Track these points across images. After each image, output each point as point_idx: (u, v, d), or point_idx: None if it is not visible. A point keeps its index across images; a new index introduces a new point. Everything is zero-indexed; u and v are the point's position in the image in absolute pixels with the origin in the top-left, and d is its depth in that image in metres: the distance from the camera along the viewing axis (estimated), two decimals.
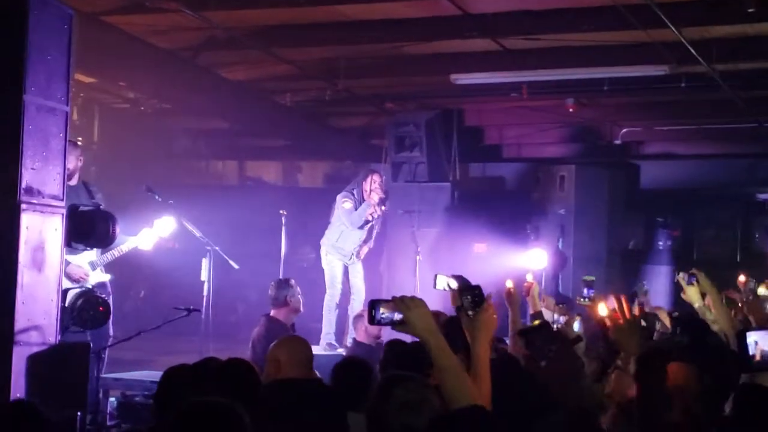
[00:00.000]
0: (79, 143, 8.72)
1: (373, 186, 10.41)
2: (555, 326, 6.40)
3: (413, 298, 3.17)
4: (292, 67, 11.80)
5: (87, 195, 7.86)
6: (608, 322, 3.64)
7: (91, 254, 7.84)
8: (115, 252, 7.96)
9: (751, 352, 3.76)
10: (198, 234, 8.93)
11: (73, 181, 8.13)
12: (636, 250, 13.93)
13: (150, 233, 8.20)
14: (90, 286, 7.38)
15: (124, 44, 10.09)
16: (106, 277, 7.96)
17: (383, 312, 3.16)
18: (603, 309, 4.17)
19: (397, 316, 3.14)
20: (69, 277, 7.53)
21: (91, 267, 7.92)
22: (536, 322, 3.39)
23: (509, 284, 6.56)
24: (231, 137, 16.34)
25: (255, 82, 12.88)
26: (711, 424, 3.68)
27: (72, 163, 8.05)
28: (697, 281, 6.66)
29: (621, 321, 3.43)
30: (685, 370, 4.12)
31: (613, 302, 3.52)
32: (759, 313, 6.36)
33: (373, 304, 3.19)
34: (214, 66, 11.90)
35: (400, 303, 3.13)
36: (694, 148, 14.65)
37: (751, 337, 3.79)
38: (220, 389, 3.71)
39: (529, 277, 6.79)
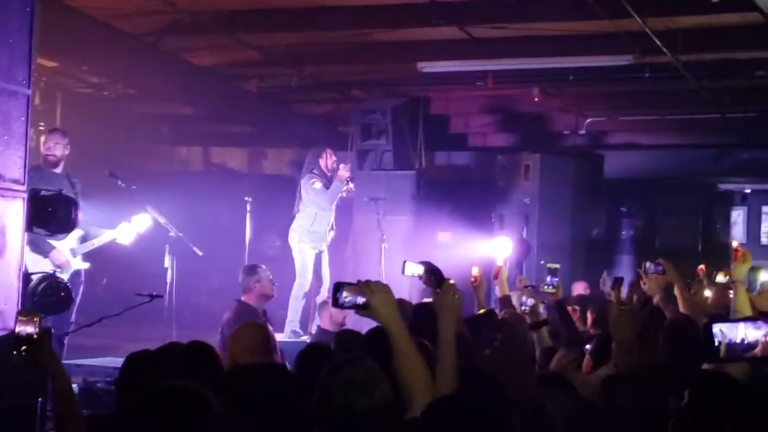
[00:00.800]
0: (41, 128, 8.69)
1: (330, 160, 10.41)
2: (522, 308, 6.43)
3: (377, 283, 3.17)
4: (257, 53, 11.73)
5: (69, 185, 7.88)
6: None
7: (72, 242, 7.95)
8: (95, 242, 8.16)
9: (716, 343, 3.79)
10: (162, 220, 8.87)
11: (58, 169, 8.12)
12: (599, 239, 14.03)
13: (128, 228, 8.32)
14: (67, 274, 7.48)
15: (88, 28, 9.98)
16: (84, 266, 8.14)
17: (347, 295, 3.16)
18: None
19: (360, 300, 3.14)
20: (52, 262, 7.61)
21: (72, 254, 7.99)
22: (482, 311, 3.38)
23: (475, 271, 6.59)
24: (196, 123, 16.24)
25: (220, 68, 12.80)
26: (670, 413, 3.70)
27: (59, 150, 8.09)
28: (663, 271, 6.70)
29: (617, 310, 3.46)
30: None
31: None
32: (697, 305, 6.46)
33: (337, 287, 3.18)
34: (178, 51, 11.80)
35: (364, 287, 3.13)
36: (658, 138, 14.77)
37: (717, 327, 3.82)
38: (182, 373, 3.69)
39: (499, 262, 6.84)
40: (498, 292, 7.04)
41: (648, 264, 6.84)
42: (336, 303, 3.21)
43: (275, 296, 8.35)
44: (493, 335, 3.39)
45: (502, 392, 3.42)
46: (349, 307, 3.19)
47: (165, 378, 3.33)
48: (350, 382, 3.06)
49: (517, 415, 3.11)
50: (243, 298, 8.11)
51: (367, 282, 3.17)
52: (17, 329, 3.56)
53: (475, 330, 3.44)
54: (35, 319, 3.54)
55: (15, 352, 3.56)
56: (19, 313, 3.68)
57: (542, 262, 6.89)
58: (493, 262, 11.96)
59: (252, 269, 8.27)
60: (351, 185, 10.53)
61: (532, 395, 3.33)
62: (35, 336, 3.53)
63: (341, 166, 10.43)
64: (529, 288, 6.86)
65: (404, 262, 5.52)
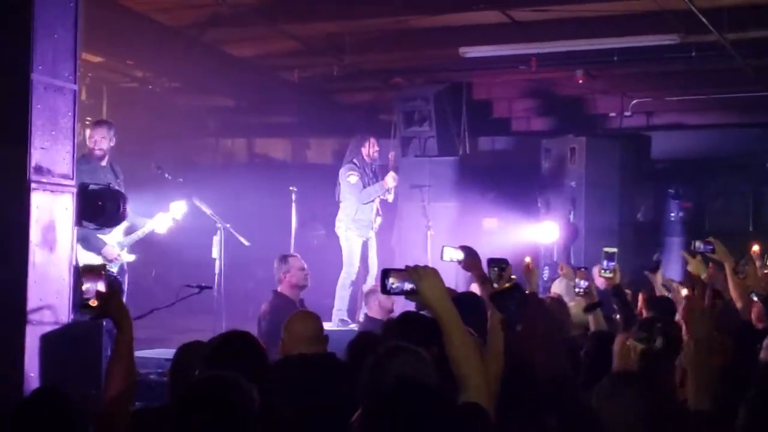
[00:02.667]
0: (87, 123, 8.76)
1: (372, 149, 10.39)
2: (577, 290, 6.37)
3: (425, 267, 3.15)
4: (298, 43, 11.75)
5: (113, 176, 7.94)
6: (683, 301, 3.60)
7: (119, 235, 8.03)
8: (139, 233, 8.21)
9: None
10: (208, 212, 8.93)
11: (104, 162, 8.19)
12: (647, 221, 13.86)
13: (165, 217, 8.36)
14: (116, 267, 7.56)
15: (131, 22, 10.06)
16: (131, 258, 8.23)
17: (393, 281, 3.15)
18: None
19: (408, 286, 3.12)
20: (105, 257, 7.70)
21: (119, 247, 8.08)
22: (507, 285, 3.28)
23: (528, 260, 6.54)
24: (239, 115, 16.31)
25: (262, 59, 12.84)
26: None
27: (105, 144, 8.16)
28: (714, 250, 6.55)
29: (696, 305, 3.39)
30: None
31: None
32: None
33: (385, 273, 3.17)
34: (220, 43, 11.86)
35: (412, 272, 3.12)
36: (704, 118, 14.57)
37: None
38: (230, 364, 3.70)
39: (528, 260, 6.75)
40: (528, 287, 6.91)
41: (698, 243, 6.69)
42: (384, 289, 3.20)
43: (322, 285, 8.36)
44: (523, 310, 3.30)
45: (533, 373, 3.37)
46: (398, 293, 3.17)
47: (215, 368, 3.35)
48: (399, 378, 3.06)
49: (551, 399, 3.08)
50: (279, 289, 8.12)
51: (415, 267, 3.15)
52: (84, 285, 3.60)
53: (503, 307, 3.35)
54: (102, 272, 3.60)
55: (83, 307, 3.60)
56: (82, 268, 3.73)
57: (603, 249, 6.76)
58: (539, 248, 12.01)
59: (283, 259, 8.27)
60: (390, 197, 10.53)
61: (564, 378, 3.27)
62: (104, 287, 3.59)
63: (391, 174, 10.40)
64: (583, 270, 6.77)
65: (443, 247, 5.49)
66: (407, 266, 3.17)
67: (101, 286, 3.57)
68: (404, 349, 3.44)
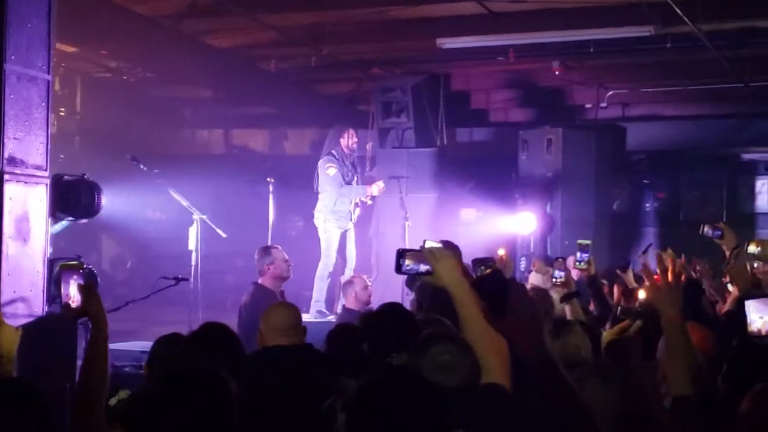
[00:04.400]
0: (61, 113, 8.67)
1: (351, 140, 10.39)
2: (554, 280, 6.38)
3: (441, 249, 3.14)
4: (276, 33, 11.70)
5: None
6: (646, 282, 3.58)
7: None
8: None
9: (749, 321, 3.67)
10: (185, 203, 8.89)
11: None
12: (623, 212, 13.94)
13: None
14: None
15: (106, 12, 9.99)
16: None
17: (409, 263, 3.13)
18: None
19: (423, 267, 3.11)
20: None
21: None
22: (487, 271, 3.27)
23: (501, 252, 6.55)
24: (216, 105, 16.25)
25: (239, 50, 12.78)
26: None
27: None
28: (722, 236, 6.46)
29: (661, 283, 3.37)
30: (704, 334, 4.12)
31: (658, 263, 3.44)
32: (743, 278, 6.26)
33: (400, 254, 3.15)
34: (197, 33, 11.79)
35: (428, 253, 3.11)
36: (680, 109, 14.65)
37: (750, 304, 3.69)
38: (207, 355, 3.69)
39: (501, 252, 6.74)
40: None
41: (706, 228, 6.56)
42: (399, 270, 3.17)
43: (300, 276, 8.35)
44: (503, 296, 3.29)
45: (520, 358, 3.37)
46: (413, 274, 3.17)
47: (192, 360, 3.34)
48: (440, 365, 3.12)
49: (537, 380, 3.09)
50: (259, 281, 8.10)
51: (431, 249, 3.15)
52: (63, 284, 3.60)
53: (484, 293, 3.35)
54: (80, 270, 3.60)
55: (63, 307, 3.61)
56: (61, 266, 3.72)
57: (577, 241, 6.77)
58: (516, 238, 12.04)
59: (266, 251, 8.23)
60: (369, 201, 10.58)
61: (550, 361, 3.26)
62: (83, 284, 3.59)
63: (378, 184, 10.43)
64: (560, 260, 6.79)
65: (423, 241, 5.48)
66: (423, 247, 3.16)
67: (78, 285, 3.57)
68: (450, 338, 3.46)
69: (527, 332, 3.15)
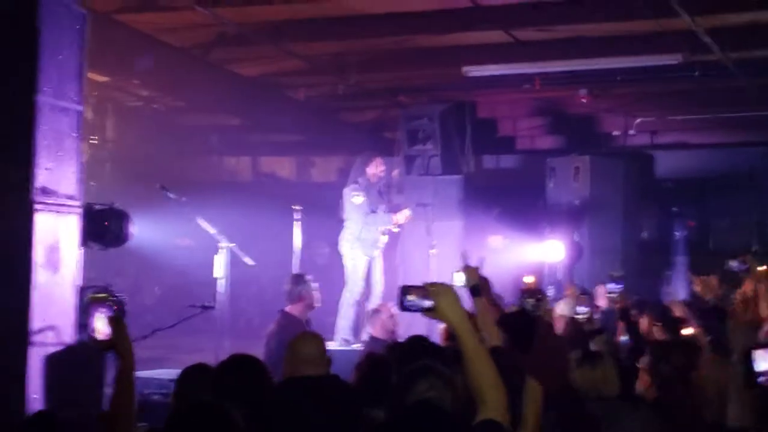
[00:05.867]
0: (93, 141, 8.76)
1: (378, 169, 10.39)
2: (578, 316, 6.35)
3: (443, 285, 3.13)
4: (303, 62, 11.80)
5: None
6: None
7: None
8: None
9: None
10: (213, 231, 8.92)
11: None
12: (651, 240, 13.86)
13: None
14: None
15: (137, 42, 10.11)
16: None
17: (412, 299, 3.13)
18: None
19: (427, 303, 3.11)
20: None
21: None
22: (514, 308, 3.26)
23: (528, 280, 6.54)
24: (244, 133, 16.35)
25: (267, 78, 12.89)
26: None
27: None
28: (749, 270, 6.43)
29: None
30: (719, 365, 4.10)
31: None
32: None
33: (403, 291, 3.15)
34: (225, 62, 11.91)
35: (431, 289, 3.11)
36: (708, 137, 14.59)
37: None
38: (232, 387, 3.71)
39: (528, 279, 6.72)
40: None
41: (733, 262, 6.54)
42: (402, 306, 3.17)
43: (326, 303, 8.35)
44: (530, 334, 3.28)
45: (547, 394, 3.35)
46: (416, 310, 3.16)
47: (220, 393, 3.36)
48: (424, 400, 3.09)
49: (561, 416, 3.08)
50: (287, 309, 8.10)
51: (433, 284, 3.14)
52: (90, 314, 3.66)
53: (509, 330, 3.34)
54: (107, 302, 3.66)
55: (91, 341, 3.68)
56: (90, 298, 3.78)
57: (609, 272, 6.76)
58: (544, 266, 11.99)
59: (299, 278, 8.26)
60: (396, 229, 10.58)
61: (573, 397, 3.26)
62: (110, 317, 3.64)
63: (405, 212, 10.44)
64: (584, 296, 6.75)
65: (453, 273, 5.48)
66: (425, 283, 3.16)
67: (106, 317, 3.62)
68: (434, 371, 3.44)
69: (552, 369, 3.14)
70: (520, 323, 3.20)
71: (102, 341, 3.64)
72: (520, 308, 3.23)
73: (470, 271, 5.33)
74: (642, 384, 4.57)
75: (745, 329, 3.34)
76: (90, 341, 3.72)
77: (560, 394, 3.13)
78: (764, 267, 6.88)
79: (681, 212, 14.57)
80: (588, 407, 4.21)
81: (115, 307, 3.66)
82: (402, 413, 2.86)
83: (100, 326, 3.62)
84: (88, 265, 7.45)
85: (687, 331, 6.71)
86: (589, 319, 6.24)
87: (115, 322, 3.64)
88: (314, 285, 8.19)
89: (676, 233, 14.45)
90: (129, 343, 3.69)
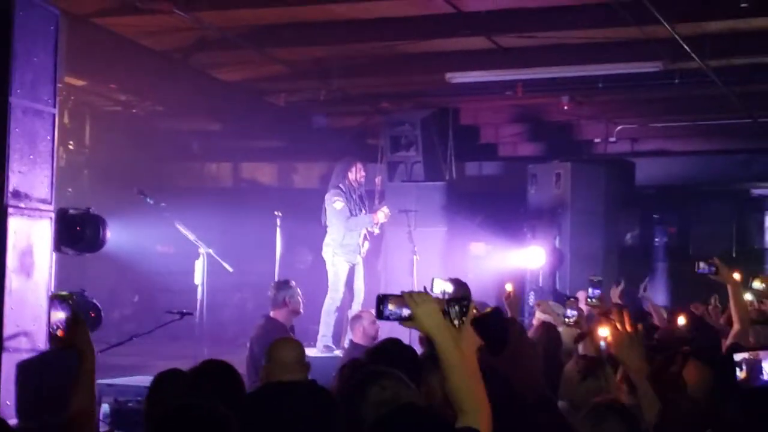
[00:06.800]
0: (70, 146, 8.69)
1: (359, 174, 10.38)
2: (566, 320, 6.35)
3: (421, 294, 3.09)
4: (285, 68, 11.76)
5: None
6: (609, 340, 3.57)
7: None
8: None
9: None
10: (192, 237, 8.86)
11: None
12: (632, 246, 13.89)
13: None
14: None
15: (115, 46, 10.04)
16: None
17: (391, 307, 3.09)
18: (603, 330, 4.08)
19: (406, 312, 3.07)
20: None
21: None
22: (488, 309, 3.21)
23: (509, 287, 6.50)
24: (225, 139, 16.29)
25: (248, 83, 12.83)
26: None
27: None
28: (717, 272, 6.47)
29: (619, 335, 3.35)
30: (702, 372, 4.09)
31: (611, 316, 3.44)
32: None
33: (381, 299, 3.11)
34: (206, 67, 11.85)
35: (408, 298, 3.06)
36: (689, 145, 14.64)
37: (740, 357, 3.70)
38: (208, 392, 3.65)
39: (509, 287, 6.70)
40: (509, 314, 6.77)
41: (701, 264, 6.59)
42: (380, 315, 3.12)
43: (308, 310, 8.34)
44: (503, 336, 3.23)
45: (520, 395, 3.32)
46: (394, 319, 3.12)
47: (193, 397, 3.30)
48: (380, 404, 3.01)
49: (534, 415, 3.05)
50: (272, 314, 8.07)
51: (411, 293, 3.10)
52: (52, 314, 3.59)
53: (484, 331, 3.29)
54: (69, 302, 3.58)
55: (52, 335, 3.59)
56: (52, 296, 3.70)
57: (588, 277, 6.79)
58: (525, 273, 11.99)
59: (284, 285, 8.26)
60: (377, 229, 10.55)
61: (547, 402, 3.23)
62: (70, 317, 3.55)
63: (383, 210, 10.42)
64: (572, 299, 6.74)
65: (432, 279, 5.45)
66: (403, 292, 3.11)
67: (66, 313, 3.54)
68: (383, 373, 3.40)
69: (525, 371, 3.11)
70: (493, 325, 3.14)
71: (61, 338, 3.56)
72: (494, 309, 3.18)
73: (461, 287, 5.31)
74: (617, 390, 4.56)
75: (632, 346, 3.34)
76: (51, 340, 3.64)
77: (533, 396, 3.10)
78: (736, 274, 6.93)
79: (661, 219, 14.62)
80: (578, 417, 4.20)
81: (76, 305, 3.58)
82: (385, 417, 2.82)
83: (59, 323, 3.55)
84: (64, 271, 7.38)
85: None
86: (577, 323, 6.22)
87: (74, 319, 3.55)
88: (298, 292, 8.17)
89: (657, 239, 14.49)
90: (89, 342, 3.60)
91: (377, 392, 3.20)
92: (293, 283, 8.29)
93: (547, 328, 6.44)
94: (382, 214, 10.41)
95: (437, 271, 9.37)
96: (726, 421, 3.40)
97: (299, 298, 8.18)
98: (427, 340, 3.69)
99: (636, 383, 3.34)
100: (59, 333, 3.53)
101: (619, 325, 3.36)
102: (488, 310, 3.24)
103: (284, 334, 7.30)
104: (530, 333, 6.47)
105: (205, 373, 4.00)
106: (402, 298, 3.07)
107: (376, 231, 10.60)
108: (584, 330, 6.24)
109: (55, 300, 3.63)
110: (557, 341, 6.26)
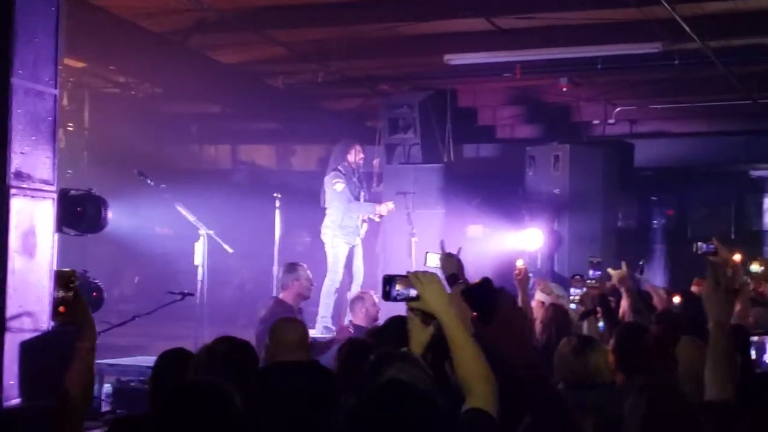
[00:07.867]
0: (69, 128, 8.71)
1: (357, 156, 10.39)
2: (571, 297, 6.42)
3: (427, 274, 3.10)
4: (283, 49, 11.73)
5: None
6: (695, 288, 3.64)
7: None
8: None
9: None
10: (192, 218, 8.88)
11: None
12: (630, 228, 13.91)
13: None
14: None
15: (114, 28, 10.02)
16: None
17: (399, 288, 3.10)
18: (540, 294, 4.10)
19: (413, 292, 3.08)
20: None
21: None
22: (478, 280, 3.24)
23: (520, 263, 6.55)
24: (223, 121, 16.28)
25: (247, 65, 12.81)
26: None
27: None
28: (716, 251, 6.53)
29: (714, 288, 3.40)
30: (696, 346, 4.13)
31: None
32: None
33: (388, 280, 3.11)
34: (205, 49, 11.82)
35: (414, 278, 3.08)
36: (687, 126, 14.64)
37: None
38: (216, 371, 3.67)
39: (520, 263, 6.73)
40: (520, 294, 6.82)
41: (700, 243, 6.66)
42: (387, 297, 3.12)
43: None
44: (493, 306, 3.25)
45: (511, 365, 3.34)
46: (401, 300, 3.12)
47: (206, 374, 3.31)
48: (393, 382, 3.03)
49: (525, 388, 3.06)
50: (280, 296, 8.12)
51: (416, 273, 3.11)
52: (56, 291, 3.61)
53: (474, 302, 3.30)
54: (71, 278, 3.60)
55: (54, 314, 3.62)
56: (56, 272, 3.71)
57: (588, 258, 6.87)
58: (523, 254, 12.00)
59: (293, 267, 8.30)
60: (377, 218, 10.59)
61: (538, 374, 3.24)
62: (71, 295, 3.57)
63: (388, 204, 10.45)
64: (577, 277, 6.80)
65: (426, 253, 5.48)
66: (409, 272, 3.12)
67: (67, 291, 3.55)
68: (399, 355, 3.42)
69: (515, 341, 3.12)
70: (483, 295, 3.15)
71: (61, 315, 3.57)
72: (484, 279, 3.19)
73: (448, 259, 5.32)
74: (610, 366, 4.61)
75: (720, 299, 3.36)
76: (53, 317, 3.66)
77: (523, 366, 3.11)
78: (737, 255, 6.97)
79: (660, 201, 14.63)
80: (581, 396, 4.23)
81: (74, 284, 3.59)
82: (372, 394, 2.83)
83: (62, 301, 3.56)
84: (66, 252, 7.41)
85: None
86: (582, 300, 6.27)
87: (74, 296, 3.57)
88: (307, 275, 8.23)
89: (655, 222, 14.51)
90: (89, 319, 3.61)
91: (394, 373, 3.22)
92: (303, 266, 8.35)
93: (555, 309, 6.49)
94: (385, 208, 10.45)
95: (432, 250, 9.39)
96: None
97: (307, 281, 8.22)
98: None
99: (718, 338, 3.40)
100: (60, 309, 3.55)
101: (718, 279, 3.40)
102: (479, 280, 3.25)
103: (291, 316, 7.33)
104: (538, 314, 6.53)
105: (218, 350, 4.02)
106: (408, 279, 3.09)
107: (377, 220, 10.63)
108: (589, 308, 6.30)
109: (57, 278, 3.64)
110: (567, 322, 6.31)
